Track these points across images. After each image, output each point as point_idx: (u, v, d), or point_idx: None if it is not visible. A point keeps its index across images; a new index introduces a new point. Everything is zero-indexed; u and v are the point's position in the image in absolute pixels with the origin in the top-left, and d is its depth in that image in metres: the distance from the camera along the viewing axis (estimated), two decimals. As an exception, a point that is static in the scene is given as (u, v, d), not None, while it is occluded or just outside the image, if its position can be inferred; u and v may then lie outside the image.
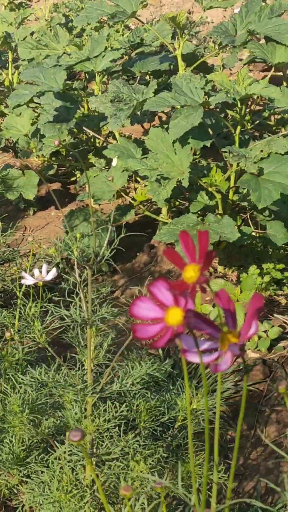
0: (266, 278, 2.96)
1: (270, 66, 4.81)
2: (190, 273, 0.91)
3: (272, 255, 3.15)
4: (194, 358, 0.90)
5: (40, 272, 2.02)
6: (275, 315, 2.93)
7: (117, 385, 1.68)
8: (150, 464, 1.60)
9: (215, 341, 0.91)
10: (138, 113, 3.51)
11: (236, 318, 0.93)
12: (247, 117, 3.34)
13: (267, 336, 2.76)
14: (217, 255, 3.15)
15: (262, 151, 2.93)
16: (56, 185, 4.01)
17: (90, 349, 1.73)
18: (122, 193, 3.35)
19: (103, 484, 1.63)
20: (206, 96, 2.99)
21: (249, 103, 3.84)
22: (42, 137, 3.63)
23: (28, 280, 1.98)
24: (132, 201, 3.35)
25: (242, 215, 3.31)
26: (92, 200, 3.24)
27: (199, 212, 3.06)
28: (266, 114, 3.75)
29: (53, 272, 2.00)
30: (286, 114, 3.63)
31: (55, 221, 3.76)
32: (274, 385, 1.05)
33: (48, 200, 3.91)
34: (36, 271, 2.01)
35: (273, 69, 3.36)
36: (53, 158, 3.86)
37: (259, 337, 2.78)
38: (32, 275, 2.01)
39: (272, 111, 3.64)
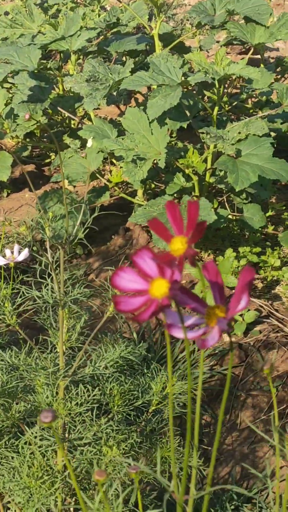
0: (243, 262, 2.92)
1: (247, 48, 4.77)
2: (178, 245, 0.86)
3: (248, 238, 3.11)
4: (179, 334, 0.85)
5: (12, 252, 1.96)
6: (251, 298, 2.89)
7: (90, 368, 1.63)
8: (123, 449, 1.55)
9: (201, 317, 0.86)
10: (114, 93, 3.45)
11: (224, 293, 0.88)
12: (225, 99, 3.29)
13: (243, 320, 2.73)
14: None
15: (239, 132, 2.88)
16: (30, 167, 3.95)
17: (62, 331, 1.68)
18: (97, 175, 3.29)
19: (74, 469, 1.58)
20: (184, 76, 2.94)
21: (227, 85, 3.79)
22: (16, 118, 3.56)
23: (-1, 261, 1.92)
24: (107, 183, 3.30)
25: (219, 198, 3.27)
26: (67, 181, 3.18)
27: (175, 195, 3.01)
28: (244, 96, 3.70)
29: (25, 253, 1.94)
30: (264, 96, 3.59)
31: (29, 203, 3.70)
32: (259, 365, 1.00)
33: (22, 182, 3.84)
34: (7, 252, 1.95)
35: (252, 51, 3.31)
36: (27, 139, 3.79)
37: (235, 321, 2.74)
38: (4, 256, 1.95)
39: (249, 92, 3.60)
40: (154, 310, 0.80)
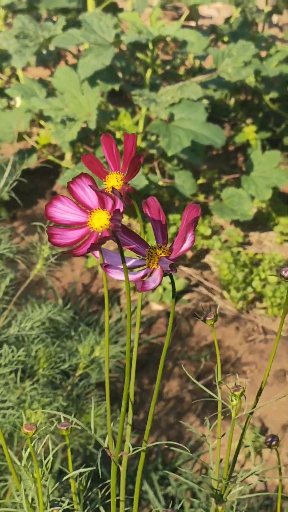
0: (172, 229, 2.85)
1: (180, 15, 4.68)
2: (113, 182, 0.79)
3: (179, 206, 3.04)
4: (118, 276, 0.76)
5: None
6: (181, 267, 2.83)
7: (15, 329, 1.54)
8: (48, 413, 1.47)
9: (141, 258, 0.79)
10: (44, 52, 3.34)
11: (167, 232, 0.81)
12: (158, 62, 3.21)
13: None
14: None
15: (173, 96, 2.80)
16: None
17: (-14, 289, 1.59)
18: (24, 136, 3.18)
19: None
20: (117, 36, 2.84)
21: (161, 48, 3.71)
22: None
23: None
24: (34, 145, 3.19)
25: (150, 164, 3.19)
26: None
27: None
28: (178, 61, 3.62)
29: None
30: (197, 61, 3.52)
31: None
32: (201, 316, 0.93)
33: None
34: None
35: (186, 13, 3.23)
36: None
37: (164, 289, 2.67)
38: None
39: (183, 57, 3.51)
40: (94, 243, 0.71)
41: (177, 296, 2.67)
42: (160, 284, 0.74)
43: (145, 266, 0.78)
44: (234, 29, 3.67)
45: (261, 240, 3.07)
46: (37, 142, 3.22)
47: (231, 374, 2.42)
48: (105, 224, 0.73)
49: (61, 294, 2.71)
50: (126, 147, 0.79)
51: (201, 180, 3.15)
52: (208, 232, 2.94)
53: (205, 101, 3.37)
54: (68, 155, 3.16)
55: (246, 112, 3.68)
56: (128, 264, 0.78)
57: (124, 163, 0.80)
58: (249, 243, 3.03)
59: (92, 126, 2.73)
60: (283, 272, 0.84)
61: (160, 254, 0.77)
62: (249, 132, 3.34)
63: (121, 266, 0.76)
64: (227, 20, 3.91)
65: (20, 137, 3.20)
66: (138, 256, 0.79)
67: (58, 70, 2.87)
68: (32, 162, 3.13)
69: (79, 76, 2.79)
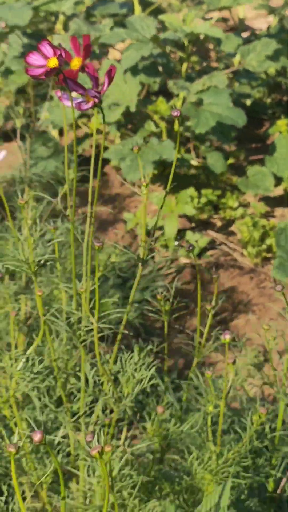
0: (203, 199, 3.29)
1: (230, 26, 5.14)
2: (75, 62, 1.25)
3: (212, 184, 3.47)
4: (68, 103, 1.23)
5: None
6: (209, 231, 3.26)
7: (48, 235, 2.00)
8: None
9: (83, 98, 1.25)
10: (97, 51, 3.84)
11: (99, 83, 1.26)
12: (194, 58, 3.67)
13: (198, 244, 3.10)
14: (161, 180, 3.48)
15: (204, 84, 3.26)
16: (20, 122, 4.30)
17: (28, 209, 2.05)
18: (79, 124, 3.67)
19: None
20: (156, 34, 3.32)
21: (212, 52, 4.16)
22: (6, 74, 3.93)
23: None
24: (88, 131, 3.67)
25: (185, 147, 3.63)
26: (51, 126, 3.55)
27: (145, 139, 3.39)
28: (221, 66, 4.07)
29: (3, 154, 2.32)
30: (232, 59, 3.96)
31: (19, 153, 4.06)
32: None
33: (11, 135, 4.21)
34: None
35: (217, 14, 3.69)
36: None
37: (190, 246, 3.11)
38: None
39: (224, 61, 3.95)
40: (48, 71, 1.19)
41: (201, 252, 3.11)
42: (90, 107, 1.20)
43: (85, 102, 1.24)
44: (272, 34, 4.11)
45: (284, 214, 3.48)
46: (90, 130, 3.71)
47: (243, 312, 2.84)
48: (55, 63, 1.20)
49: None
50: (84, 41, 1.24)
51: (230, 161, 3.58)
52: (235, 204, 3.37)
53: (248, 102, 3.84)
54: (117, 140, 3.64)
55: (283, 110, 4.11)
56: (76, 101, 1.24)
57: (83, 51, 1.26)
58: (273, 216, 3.45)
59: (133, 109, 3.20)
60: (173, 113, 1.27)
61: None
62: (281, 124, 3.76)
63: (72, 99, 1.23)
64: (268, 28, 4.36)
65: (76, 126, 3.70)
66: (83, 97, 1.25)
67: (104, 63, 3.35)
68: (84, 146, 3.61)
69: (122, 67, 3.27)
